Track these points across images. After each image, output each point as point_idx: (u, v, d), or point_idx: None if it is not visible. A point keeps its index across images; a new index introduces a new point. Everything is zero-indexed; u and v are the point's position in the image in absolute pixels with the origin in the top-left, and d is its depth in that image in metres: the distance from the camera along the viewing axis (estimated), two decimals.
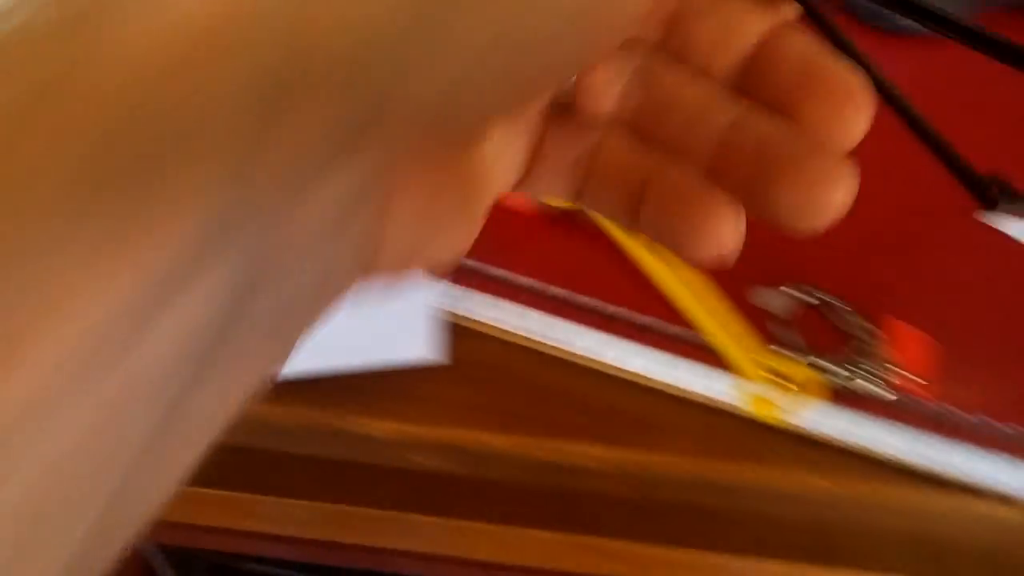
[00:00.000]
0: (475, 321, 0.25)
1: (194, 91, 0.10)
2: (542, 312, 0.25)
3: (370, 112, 0.11)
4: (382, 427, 0.25)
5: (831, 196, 0.13)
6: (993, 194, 0.24)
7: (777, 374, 0.24)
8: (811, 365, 0.24)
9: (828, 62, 0.13)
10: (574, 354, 0.25)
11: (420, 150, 0.12)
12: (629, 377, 0.25)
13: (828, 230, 0.27)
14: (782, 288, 0.25)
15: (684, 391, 0.24)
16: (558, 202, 0.26)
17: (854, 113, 0.13)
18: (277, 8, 0.10)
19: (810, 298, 0.25)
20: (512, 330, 0.25)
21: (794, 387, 0.23)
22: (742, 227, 0.14)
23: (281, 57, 0.10)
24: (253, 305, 0.11)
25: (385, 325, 0.24)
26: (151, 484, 0.11)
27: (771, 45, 0.14)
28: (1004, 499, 0.23)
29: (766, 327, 0.25)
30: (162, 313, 0.10)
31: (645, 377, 0.25)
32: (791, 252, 0.26)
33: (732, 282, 0.25)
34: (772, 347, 0.24)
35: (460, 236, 0.14)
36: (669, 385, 0.24)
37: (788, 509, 0.25)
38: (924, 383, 0.24)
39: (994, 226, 0.27)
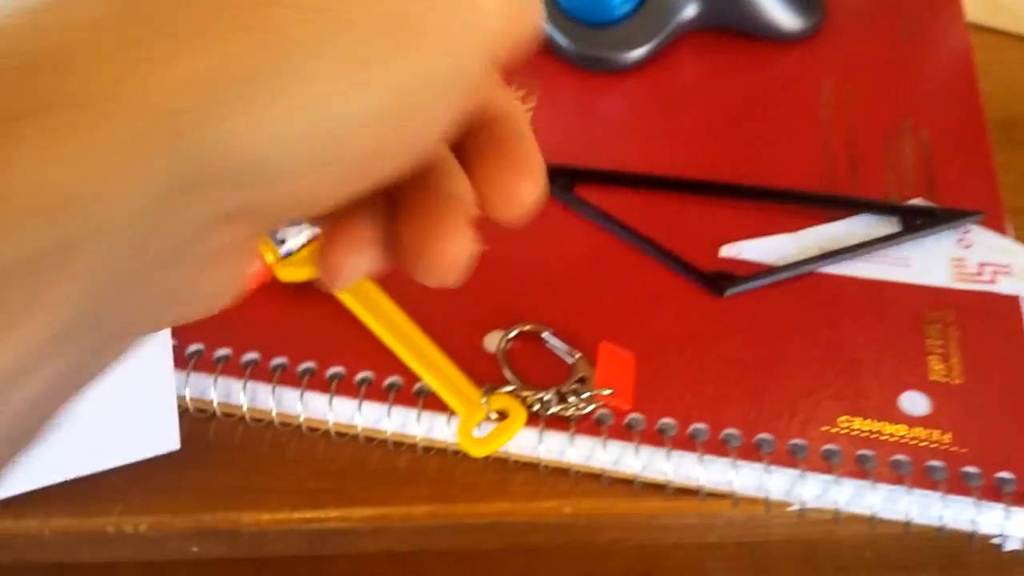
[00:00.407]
0: (211, 403, 0.26)
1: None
2: (281, 385, 0.26)
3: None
4: (146, 523, 0.26)
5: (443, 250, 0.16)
6: (721, 285, 0.27)
7: (498, 412, 0.25)
8: (528, 397, 0.25)
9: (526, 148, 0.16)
10: (317, 421, 0.26)
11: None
12: (373, 435, 0.26)
13: (546, 275, 0.30)
14: (504, 331, 0.27)
15: (422, 441, 0.26)
16: (290, 276, 0.28)
17: (529, 185, 0.16)
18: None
19: (530, 334, 0.27)
20: (251, 407, 0.26)
21: (510, 421, 0.25)
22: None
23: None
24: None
25: (124, 421, 0.25)
26: None
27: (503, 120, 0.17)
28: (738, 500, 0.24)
29: (497, 368, 0.26)
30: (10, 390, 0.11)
31: (387, 433, 0.26)
32: (513, 297, 0.28)
33: (465, 331, 0.27)
34: (496, 387, 0.25)
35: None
36: (407, 437, 0.26)
37: (542, 538, 0.26)
38: (627, 398, 0.25)
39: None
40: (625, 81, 0.34)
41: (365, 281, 0.27)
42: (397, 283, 0.27)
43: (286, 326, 0.27)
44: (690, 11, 0.34)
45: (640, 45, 0.34)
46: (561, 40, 0.34)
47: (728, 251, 0.29)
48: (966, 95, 0.33)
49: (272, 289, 0.28)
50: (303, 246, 0.28)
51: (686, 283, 0.28)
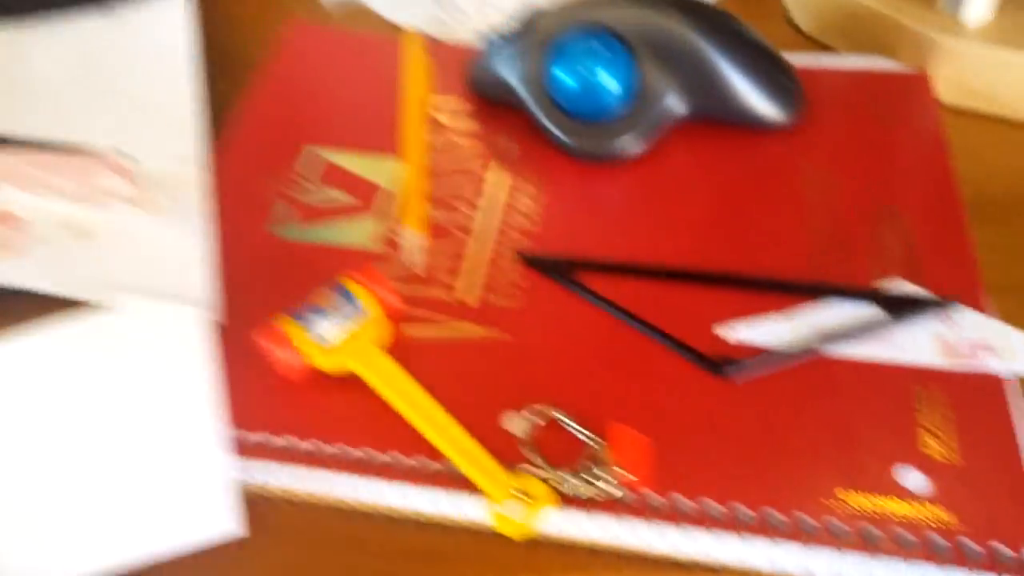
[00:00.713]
0: (266, 488, 0.28)
1: None
2: (329, 470, 0.28)
3: None
4: None
5: None
6: (721, 367, 0.29)
7: (522, 492, 0.26)
8: (551, 478, 0.27)
9: None
10: (361, 504, 0.28)
11: None
12: (413, 516, 0.27)
13: (554, 358, 0.32)
14: (522, 411, 0.28)
15: (458, 521, 0.27)
16: (329, 367, 0.29)
17: None
18: None
19: (546, 417, 0.28)
20: (303, 491, 0.28)
21: (538, 501, 0.26)
22: None
23: None
24: None
25: (180, 507, 0.27)
26: None
27: None
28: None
29: (515, 448, 0.28)
30: None
31: (424, 514, 0.27)
32: (528, 378, 0.30)
33: (483, 411, 0.29)
34: (518, 466, 0.27)
35: None
36: (445, 517, 0.27)
37: None
38: (645, 478, 0.27)
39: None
40: (622, 173, 0.36)
41: (388, 362, 0.29)
42: (412, 363, 0.29)
43: (315, 408, 0.29)
44: (679, 105, 0.36)
45: (634, 138, 0.36)
46: (560, 135, 0.36)
47: (725, 334, 0.31)
48: (942, 177, 0.35)
49: (324, 385, 0.30)
50: (340, 336, 0.30)
51: (687, 365, 0.30)
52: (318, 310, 0.30)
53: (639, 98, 0.36)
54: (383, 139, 0.39)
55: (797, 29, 0.45)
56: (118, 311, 0.31)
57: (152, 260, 0.33)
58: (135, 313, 0.31)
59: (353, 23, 0.46)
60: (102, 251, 0.33)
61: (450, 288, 0.33)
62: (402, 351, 0.30)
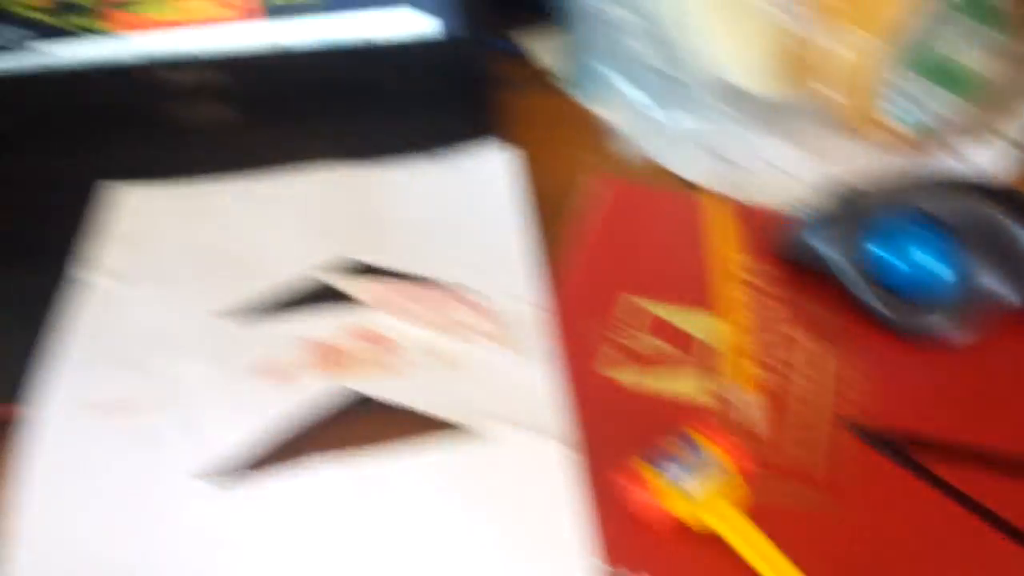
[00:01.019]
0: None
1: None
2: None
3: None
4: None
5: None
6: None
7: None
8: None
9: None
10: None
11: None
12: None
13: (898, 535, 0.33)
14: None
15: None
16: (690, 518, 0.32)
17: None
18: None
19: None
20: None
21: None
22: None
23: None
24: None
25: None
26: None
27: None
28: None
29: None
30: None
31: None
32: (870, 554, 0.31)
33: None
34: None
35: None
36: None
37: None
38: None
39: None
40: (950, 354, 0.38)
41: (746, 523, 0.31)
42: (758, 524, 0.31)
43: (668, 552, 0.32)
44: (1006, 293, 0.38)
45: (961, 322, 0.38)
46: (887, 314, 0.38)
47: None
48: None
49: (684, 531, 0.32)
50: (700, 490, 0.32)
51: None
52: (672, 458, 0.33)
53: (964, 283, 0.38)
54: (695, 293, 0.42)
55: None
56: (485, 439, 0.35)
57: (513, 394, 0.37)
58: (503, 442, 0.35)
59: (648, 176, 0.51)
60: (468, 380, 0.37)
61: (783, 451, 0.35)
62: (751, 511, 0.32)
